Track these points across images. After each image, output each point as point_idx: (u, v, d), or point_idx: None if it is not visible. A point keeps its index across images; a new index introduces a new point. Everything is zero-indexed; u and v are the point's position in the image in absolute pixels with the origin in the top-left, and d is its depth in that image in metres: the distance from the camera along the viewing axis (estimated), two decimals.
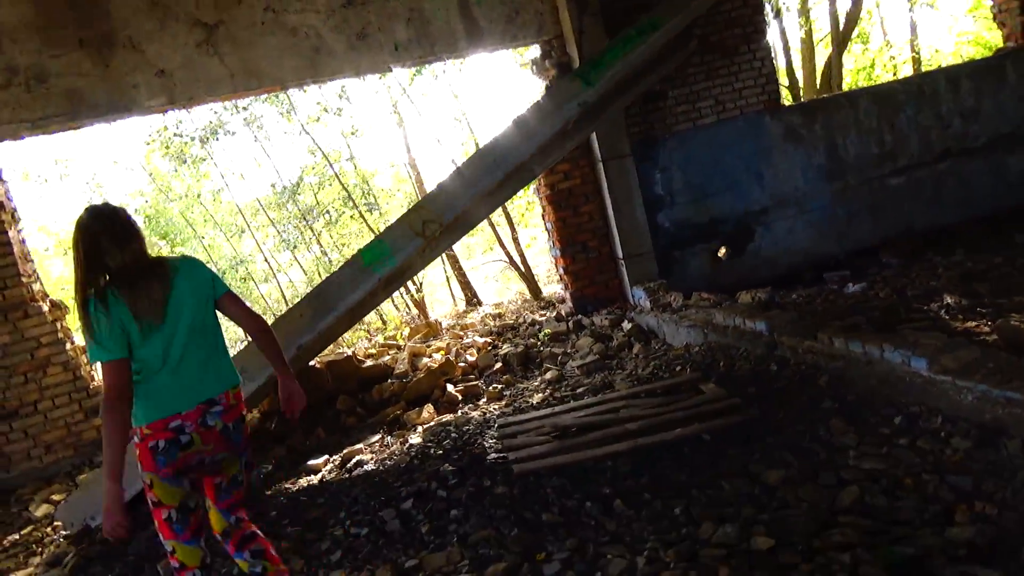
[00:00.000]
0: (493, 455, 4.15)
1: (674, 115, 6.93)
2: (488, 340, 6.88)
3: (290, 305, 12.63)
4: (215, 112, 10.44)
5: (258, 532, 2.70)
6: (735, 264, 7.10)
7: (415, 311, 11.59)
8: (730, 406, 3.74)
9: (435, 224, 4.66)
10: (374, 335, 9.14)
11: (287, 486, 4.73)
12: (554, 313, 7.48)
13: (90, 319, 2.31)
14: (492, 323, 7.83)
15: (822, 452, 3.24)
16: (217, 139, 10.54)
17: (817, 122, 7.15)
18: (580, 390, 5.13)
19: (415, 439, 4.95)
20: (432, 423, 5.23)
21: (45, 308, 5.93)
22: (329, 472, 4.84)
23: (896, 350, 3.49)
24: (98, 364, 2.35)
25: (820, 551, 2.50)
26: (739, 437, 3.56)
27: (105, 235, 2.37)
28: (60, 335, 5.95)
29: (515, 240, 10.85)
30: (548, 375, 5.69)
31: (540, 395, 5.31)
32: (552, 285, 11.50)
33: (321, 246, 11.76)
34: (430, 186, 12.29)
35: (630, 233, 6.72)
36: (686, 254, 7.02)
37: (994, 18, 8.07)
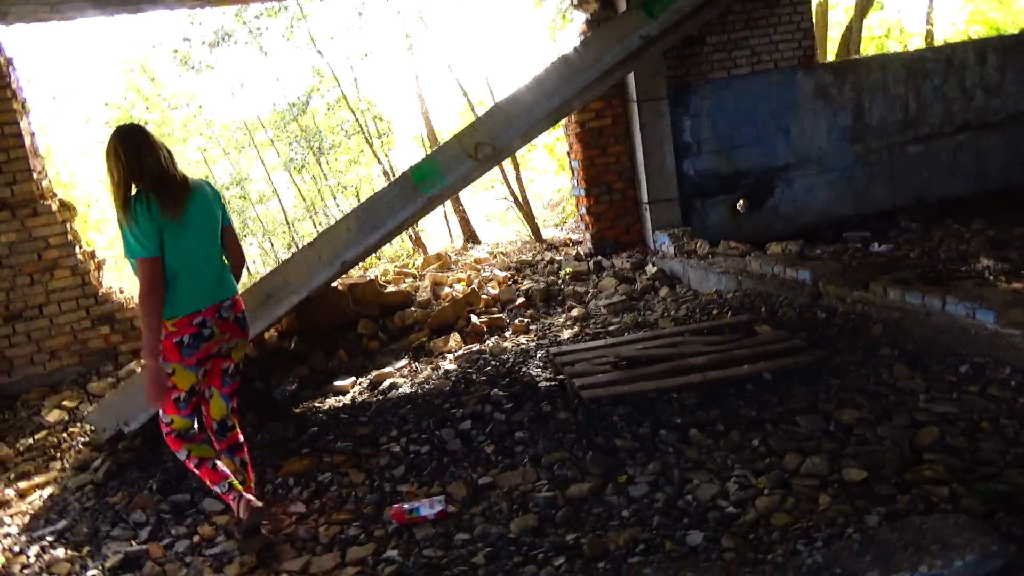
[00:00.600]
0: (545, 383, 4.14)
1: (710, 62, 6.84)
2: (508, 275, 6.82)
3: (292, 227, 12.35)
4: (219, 20, 9.93)
5: (245, 444, 3.16)
6: (752, 218, 7.13)
7: (410, 245, 11.42)
8: (793, 347, 3.79)
9: (488, 147, 4.52)
10: (376, 264, 8.98)
11: (316, 404, 4.67)
12: (563, 255, 7.45)
13: (131, 217, 2.62)
14: (505, 259, 7.76)
15: (890, 395, 3.32)
16: (228, 45, 10.04)
17: (847, 83, 7.14)
18: (612, 328, 5.15)
19: (449, 365, 4.92)
20: (462, 351, 5.20)
21: (54, 207, 5.64)
22: (359, 394, 4.78)
23: (960, 303, 3.56)
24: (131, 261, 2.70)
25: (914, 484, 2.57)
26: (801, 378, 3.62)
27: (143, 143, 2.70)
28: (69, 237, 5.68)
29: (519, 180, 10.70)
30: (574, 312, 5.68)
31: (570, 331, 5.31)
32: (549, 229, 11.43)
33: (321, 170, 11.43)
34: (436, 117, 11.97)
35: (657, 178, 6.69)
36: (707, 204, 7.02)
37: None
